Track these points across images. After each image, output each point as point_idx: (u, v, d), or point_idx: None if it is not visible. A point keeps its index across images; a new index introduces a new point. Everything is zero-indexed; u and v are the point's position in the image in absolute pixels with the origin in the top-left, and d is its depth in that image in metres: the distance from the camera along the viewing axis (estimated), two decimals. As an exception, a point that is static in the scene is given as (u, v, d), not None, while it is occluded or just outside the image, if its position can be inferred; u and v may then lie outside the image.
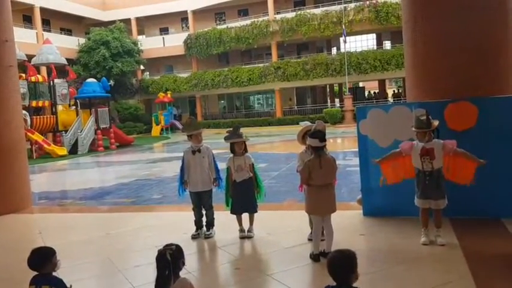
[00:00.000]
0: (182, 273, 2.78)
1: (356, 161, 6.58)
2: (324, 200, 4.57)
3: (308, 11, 34.92)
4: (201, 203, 5.71)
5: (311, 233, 5.17)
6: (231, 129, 5.55)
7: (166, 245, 2.74)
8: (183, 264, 2.77)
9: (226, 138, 5.47)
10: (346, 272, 2.45)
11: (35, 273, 3.02)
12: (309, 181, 4.54)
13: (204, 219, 5.74)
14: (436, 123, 4.75)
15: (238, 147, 5.44)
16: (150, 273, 4.46)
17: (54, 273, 3.09)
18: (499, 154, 5.34)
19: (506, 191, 5.41)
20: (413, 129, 4.78)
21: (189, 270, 4.32)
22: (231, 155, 5.50)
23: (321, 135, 4.49)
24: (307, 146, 4.78)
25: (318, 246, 4.57)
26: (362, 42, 40.66)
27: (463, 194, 5.25)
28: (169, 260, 2.62)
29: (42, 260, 3.00)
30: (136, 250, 5.42)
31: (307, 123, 5.23)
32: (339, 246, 2.77)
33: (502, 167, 5.36)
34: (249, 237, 5.44)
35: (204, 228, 5.71)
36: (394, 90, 45.35)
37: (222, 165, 5.84)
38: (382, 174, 5.34)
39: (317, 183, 4.52)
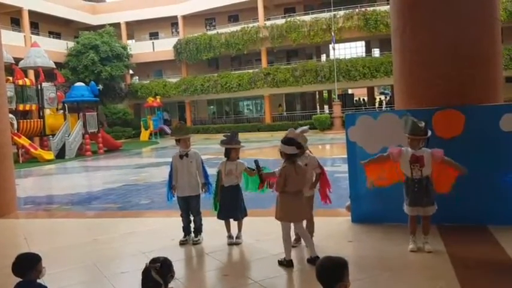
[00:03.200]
0: (169, 280, 2.75)
1: (345, 167, 6.60)
2: (298, 207, 4.63)
3: (298, 17, 35.13)
4: (189, 208, 5.68)
5: (295, 239, 5.18)
6: (228, 133, 5.54)
7: (153, 260, 2.70)
8: (172, 277, 2.74)
9: (223, 143, 5.45)
10: (331, 279, 2.44)
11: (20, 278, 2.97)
12: (284, 188, 4.58)
13: (192, 225, 5.71)
14: (429, 133, 4.80)
15: (235, 153, 5.43)
16: (137, 279, 4.42)
17: (39, 280, 3.04)
18: (485, 162, 5.39)
19: (492, 198, 5.46)
20: (408, 135, 4.76)
21: (177, 277, 4.26)
22: (225, 159, 5.49)
23: (297, 143, 4.57)
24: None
25: (289, 252, 4.61)
26: (351, 50, 40.93)
27: (450, 201, 5.29)
28: (154, 278, 2.60)
29: (27, 267, 2.95)
30: (124, 256, 5.36)
31: (303, 128, 5.23)
32: (327, 253, 2.76)
33: (489, 174, 5.41)
34: (237, 244, 5.42)
35: (192, 235, 5.68)
36: (380, 98, 45.85)
37: (212, 171, 5.82)
38: (367, 177, 5.32)
39: (292, 190, 4.57)
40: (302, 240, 5.21)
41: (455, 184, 4.85)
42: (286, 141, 4.59)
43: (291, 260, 4.56)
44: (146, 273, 2.62)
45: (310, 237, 4.71)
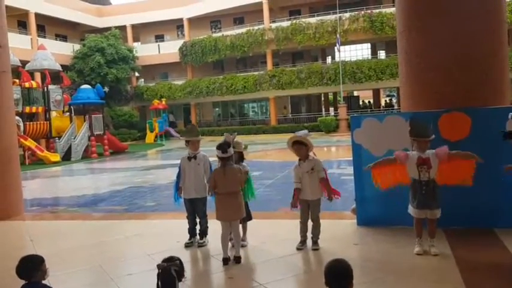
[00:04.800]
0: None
1: (350, 170, 6.58)
2: (230, 207, 4.90)
3: (303, 20, 35.12)
4: (195, 210, 5.69)
5: (300, 242, 5.18)
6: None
7: (168, 260, 2.70)
8: (184, 276, 2.75)
9: None
10: (348, 282, 2.43)
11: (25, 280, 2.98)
12: (215, 189, 4.92)
13: (198, 227, 5.72)
14: (433, 136, 4.80)
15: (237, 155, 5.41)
16: (143, 281, 4.43)
17: (44, 282, 3.05)
18: (491, 164, 5.35)
19: (499, 201, 5.43)
20: (417, 138, 4.74)
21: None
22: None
23: (223, 147, 4.87)
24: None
25: (226, 250, 4.88)
26: (357, 52, 40.91)
27: (456, 204, 5.28)
28: (175, 277, 2.60)
29: (32, 268, 2.96)
30: (129, 258, 5.38)
31: (305, 132, 5.25)
32: (333, 256, 2.76)
33: (495, 177, 5.38)
34: (243, 246, 5.41)
35: (198, 237, 5.69)
36: (385, 100, 45.88)
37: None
38: (373, 179, 5.35)
39: (222, 191, 4.88)
40: (308, 243, 5.21)
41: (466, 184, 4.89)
42: (217, 145, 4.93)
43: (226, 258, 4.84)
44: (166, 272, 2.62)
45: (240, 239, 5.02)
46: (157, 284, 2.64)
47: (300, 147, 5.16)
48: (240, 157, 5.47)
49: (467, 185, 4.92)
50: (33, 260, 3.02)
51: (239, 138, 5.53)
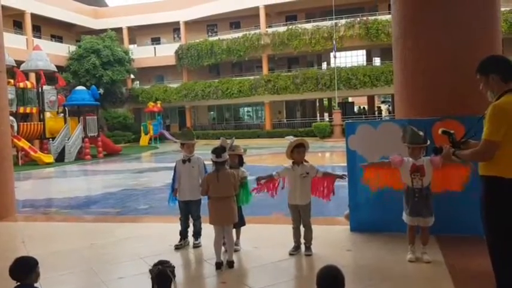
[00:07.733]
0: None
1: (344, 176, 6.58)
2: (223, 211, 4.89)
3: (299, 25, 35.29)
4: (189, 212, 5.72)
5: (293, 247, 5.19)
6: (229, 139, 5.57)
7: (161, 263, 2.71)
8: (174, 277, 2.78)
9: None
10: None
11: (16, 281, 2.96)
12: (209, 193, 4.92)
13: (190, 230, 5.74)
14: (428, 142, 4.81)
15: (230, 159, 5.42)
16: (135, 285, 4.41)
17: (36, 284, 3.03)
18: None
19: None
20: (408, 144, 4.78)
21: (174, 283, 4.27)
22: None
23: (217, 151, 4.85)
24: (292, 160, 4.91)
25: (219, 254, 4.86)
26: (352, 58, 41.13)
27: (449, 211, 5.30)
28: (171, 278, 2.63)
29: (27, 270, 2.94)
30: (121, 261, 5.34)
31: (292, 137, 5.27)
32: (326, 262, 2.76)
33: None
34: (236, 251, 5.40)
35: (190, 239, 5.71)
36: (378, 106, 46.18)
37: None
38: (364, 178, 5.42)
39: (215, 195, 4.88)
40: (301, 248, 5.22)
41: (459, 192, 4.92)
42: (213, 149, 4.91)
43: (218, 263, 4.82)
44: (163, 275, 2.65)
45: (233, 244, 5.04)
46: (153, 287, 2.65)
47: (303, 150, 5.18)
48: (240, 161, 5.47)
49: (456, 190, 4.97)
50: (28, 262, 3.00)
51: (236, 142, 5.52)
